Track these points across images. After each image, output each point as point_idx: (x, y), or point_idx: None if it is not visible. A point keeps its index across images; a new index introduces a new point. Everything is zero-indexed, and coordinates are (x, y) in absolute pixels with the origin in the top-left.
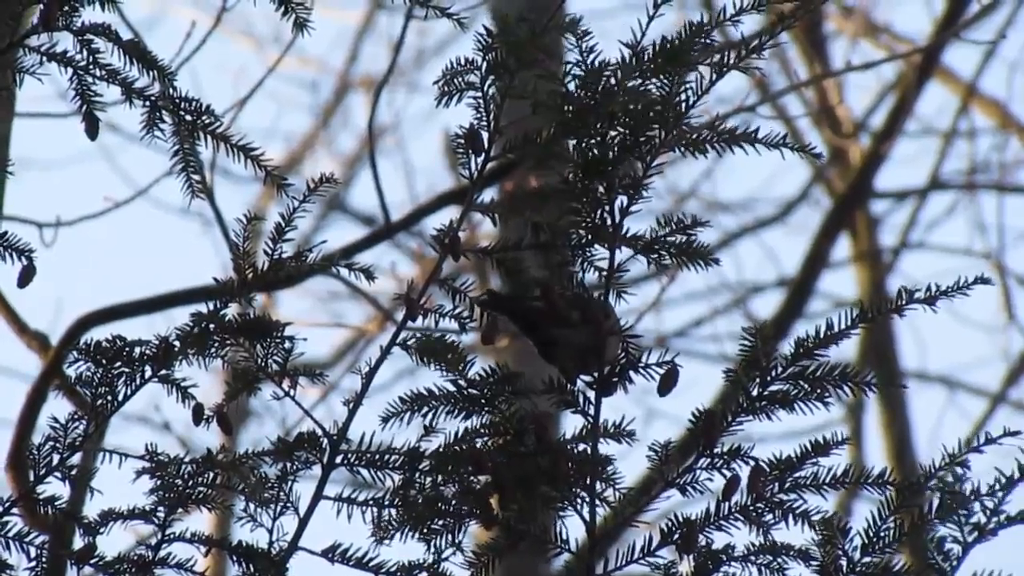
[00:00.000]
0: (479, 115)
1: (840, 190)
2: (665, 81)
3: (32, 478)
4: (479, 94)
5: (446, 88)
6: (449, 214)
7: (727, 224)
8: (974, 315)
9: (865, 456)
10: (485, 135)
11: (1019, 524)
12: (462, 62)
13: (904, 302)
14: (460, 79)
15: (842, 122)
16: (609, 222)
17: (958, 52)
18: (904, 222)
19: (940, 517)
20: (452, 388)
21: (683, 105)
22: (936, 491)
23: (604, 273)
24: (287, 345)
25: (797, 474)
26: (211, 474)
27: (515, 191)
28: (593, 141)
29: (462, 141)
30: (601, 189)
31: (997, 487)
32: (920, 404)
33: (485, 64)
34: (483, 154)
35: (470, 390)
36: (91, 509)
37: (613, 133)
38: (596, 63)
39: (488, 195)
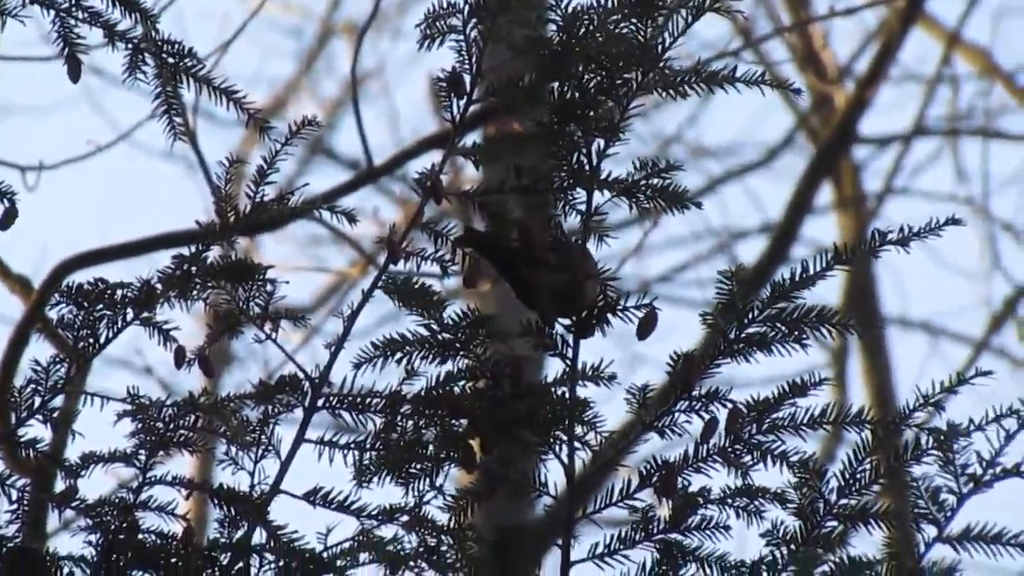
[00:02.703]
0: (461, 58)
1: (824, 136)
2: (641, 23)
3: (14, 421)
4: (461, 37)
5: (428, 31)
6: (432, 158)
7: (712, 169)
8: (957, 261)
9: (849, 401)
10: (467, 79)
11: (1015, 477)
12: (444, 5)
13: (878, 243)
14: (442, 22)
15: (826, 68)
16: (586, 165)
17: None
18: (888, 168)
19: (917, 458)
20: (425, 332)
21: (660, 47)
22: (920, 433)
23: (583, 216)
24: (269, 288)
25: (775, 415)
26: (193, 417)
27: (496, 135)
28: (570, 84)
29: (444, 85)
30: (577, 132)
31: (986, 428)
32: (902, 351)
33: (467, 7)
34: (465, 98)
35: (444, 334)
36: (72, 452)
37: (589, 76)
38: (572, 6)
39: (471, 139)
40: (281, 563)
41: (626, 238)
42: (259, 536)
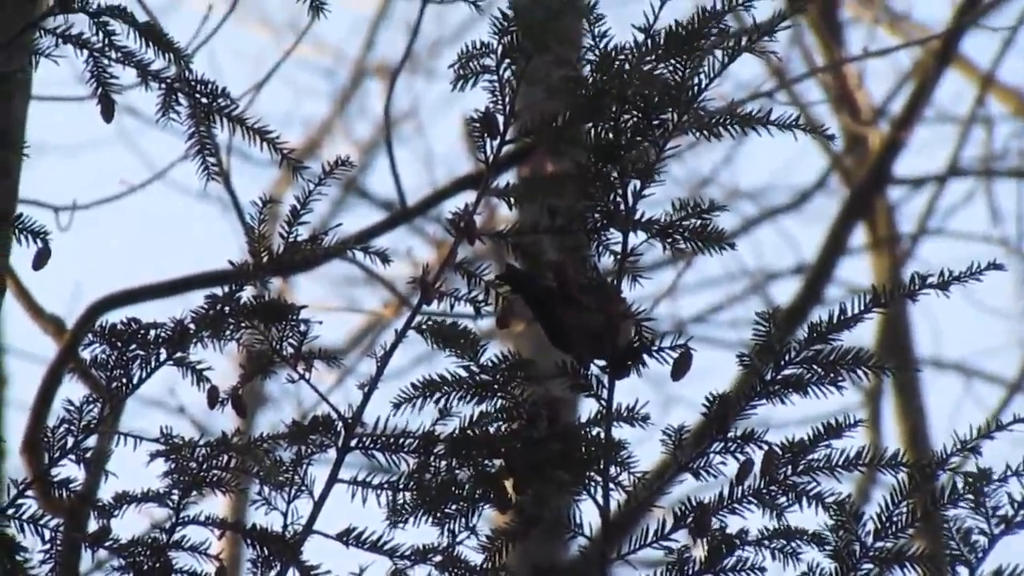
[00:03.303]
0: (495, 99)
1: (858, 177)
2: (678, 65)
3: (47, 461)
4: (495, 78)
5: (461, 71)
6: (466, 198)
7: (746, 210)
8: (991, 302)
9: (883, 442)
10: (501, 119)
11: None
12: (478, 45)
13: (917, 287)
14: (476, 62)
15: (860, 108)
16: (622, 206)
17: (976, 40)
18: (922, 209)
19: (953, 501)
20: (464, 374)
21: (696, 89)
22: (955, 477)
23: (618, 257)
24: (302, 328)
25: (810, 457)
26: (226, 457)
27: (531, 175)
28: (606, 125)
29: (478, 125)
30: (614, 173)
31: (1022, 475)
32: (936, 392)
33: (501, 47)
34: (499, 138)
35: (482, 376)
36: (106, 492)
37: (626, 117)
38: (609, 47)
39: (505, 179)
40: None
41: (660, 278)
42: None
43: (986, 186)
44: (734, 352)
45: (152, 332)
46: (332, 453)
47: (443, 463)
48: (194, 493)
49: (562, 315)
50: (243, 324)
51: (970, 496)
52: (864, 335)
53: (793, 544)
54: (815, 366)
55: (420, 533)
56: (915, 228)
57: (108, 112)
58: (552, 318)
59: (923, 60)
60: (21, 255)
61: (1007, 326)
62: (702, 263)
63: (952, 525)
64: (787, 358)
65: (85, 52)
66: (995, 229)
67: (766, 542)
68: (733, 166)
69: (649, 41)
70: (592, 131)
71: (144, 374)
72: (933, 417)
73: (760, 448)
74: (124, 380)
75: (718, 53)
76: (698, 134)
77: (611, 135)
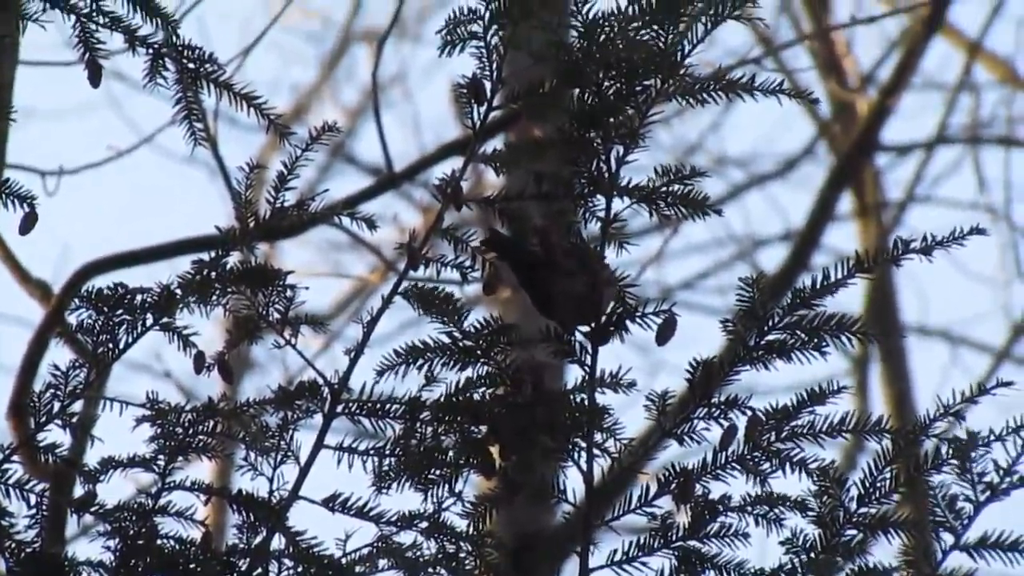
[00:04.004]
0: (482, 65)
1: (845, 144)
2: (661, 31)
3: (33, 426)
4: (482, 44)
5: (449, 38)
6: (453, 164)
7: (734, 177)
8: (977, 269)
9: (870, 410)
10: (488, 85)
11: None
12: (465, 11)
13: (900, 252)
14: (463, 28)
15: (848, 76)
16: (606, 172)
17: (964, 7)
18: (910, 176)
19: (937, 467)
20: (447, 340)
21: (679, 54)
22: (940, 442)
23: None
24: (288, 294)
25: (794, 423)
26: (212, 422)
27: (517, 141)
28: (590, 91)
29: (465, 91)
30: (597, 139)
31: (1006, 439)
32: (922, 360)
33: (488, 13)
34: (486, 104)
35: (465, 341)
36: (92, 457)
37: (608, 83)
38: (592, 13)
39: (492, 145)
40: (299, 569)
41: (647, 245)
42: (278, 542)
43: (973, 154)
44: (721, 318)
45: (139, 297)
46: (318, 419)
47: (428, 429)
48: (180, 458)
49: (546, 281)
50: (229, 289)
51: (955, 462)
52: (851, 303)
53: (776, 510)
54: (798, 331)
55: (406, 499)
56: (903, 195)
57: (95, 77)
58: (536, 284)
59: (911, 27)
60: (8, 220)
61: (994, 294)
62: (690, 230)
63: (937, 492)
64: (770, 323)
65: (72, 16)
66: (982, 197)
67: (749, 508)
68: (721, 133)
69: (634, 6)
70: (576, 97)
71: (130, 339)
72: (920, 386)
73: (744, 414)
74: (110, 345)
75: (703, 19)
76: (683, 100)
77: (595, 101)
